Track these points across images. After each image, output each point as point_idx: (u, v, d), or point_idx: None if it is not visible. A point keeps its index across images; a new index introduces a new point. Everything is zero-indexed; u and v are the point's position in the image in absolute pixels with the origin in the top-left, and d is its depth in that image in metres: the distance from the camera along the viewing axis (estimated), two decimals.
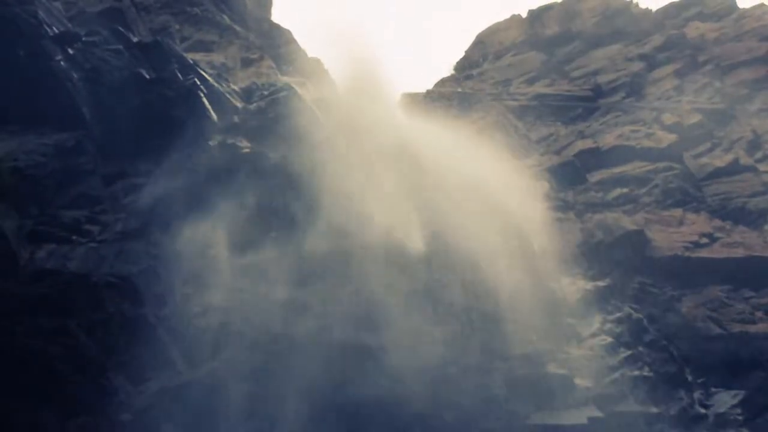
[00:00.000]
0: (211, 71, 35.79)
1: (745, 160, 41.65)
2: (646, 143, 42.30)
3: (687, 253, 37.60)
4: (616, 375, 33.14)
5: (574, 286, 35.38)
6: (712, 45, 47.02)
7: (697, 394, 33.83)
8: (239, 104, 35.46)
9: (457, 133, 39.43)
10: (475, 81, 47.21)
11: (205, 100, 33.93)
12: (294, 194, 32.89)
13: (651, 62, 46.88)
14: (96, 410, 28.21)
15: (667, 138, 42.58)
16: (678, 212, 39.46)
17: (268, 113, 35.27)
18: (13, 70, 31.21)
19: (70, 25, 33.50)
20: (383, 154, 34.87)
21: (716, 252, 37.72)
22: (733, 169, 41.28)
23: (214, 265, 31.01)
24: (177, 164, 32.53)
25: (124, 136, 31.89)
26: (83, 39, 33.22)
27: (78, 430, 27.96)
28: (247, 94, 36.27)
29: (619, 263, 36.89)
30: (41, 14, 32.04)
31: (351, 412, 30.12)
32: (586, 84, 46.22)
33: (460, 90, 46.10)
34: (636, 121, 43.91)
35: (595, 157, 41.82)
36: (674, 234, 38.44)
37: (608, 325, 34.62)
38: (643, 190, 40.27)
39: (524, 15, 51.67)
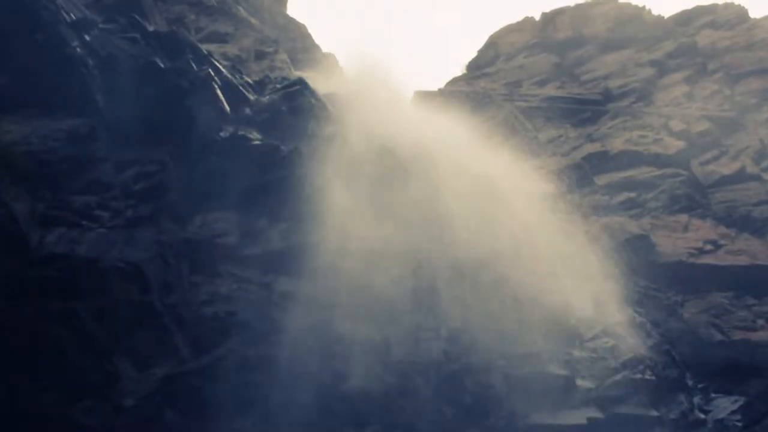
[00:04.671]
0: (225, 62, 35.81)
1: (751, 169, 41.83)
2: (654, 149, 42.45)
3: (691, 259, 37.79)
4: (618, 377, 33.27)
5: (578, 288, 35.48)
6: (722, 53, 47.16)
7: (697, 399, 34.00)
8: (252, 96, 35.45)
9: (467, 132, 39.57)
10: (487, 81, 47.30)
11: (218, 91, 33.95)
12: (303, 188, 32.98)
13: (661, 69, 47.00)
14: (100, 394, 28.32)
15: (675, 144, 42.74)
16: (683, 218, 39.62)
17: (281, 106, 35.36)
18: (29, 55, 31.15)
19: (87, 11, 33.52)
20: (394, 150, 34.99)
21: (720, 259, 37.91)
22: (740, 178, 41.49)
23: (222, 255, 31.19)
24: (188, 154, 32.66)
25: (136, 124, 31.84)
26: (100, 26, 33.25)
27: (81, 413, 28.03)
28: (260, 87, 36.27)
29: (623, 267, 37.02)
30: (59, 0, 32.12)
31: (353, 405, 30.26)
32: (596, 88, 46.32)
33: (471, 89, 46.16)
34: (644, 127, 44.04)
35: (603, 161, 41.97)
36: (679, 240, 38.60)
37: (611, 328, 34.76)
38: (650, 195, 40.40)
39: (537, 18, 51.80)
